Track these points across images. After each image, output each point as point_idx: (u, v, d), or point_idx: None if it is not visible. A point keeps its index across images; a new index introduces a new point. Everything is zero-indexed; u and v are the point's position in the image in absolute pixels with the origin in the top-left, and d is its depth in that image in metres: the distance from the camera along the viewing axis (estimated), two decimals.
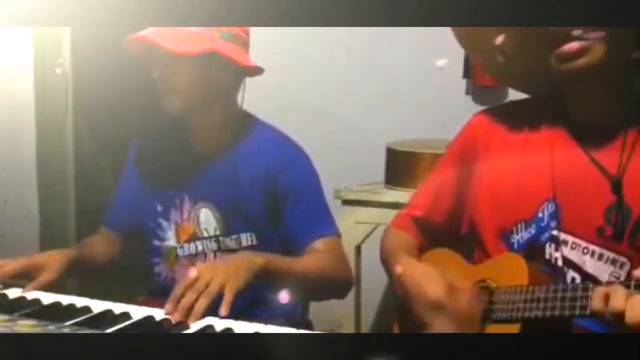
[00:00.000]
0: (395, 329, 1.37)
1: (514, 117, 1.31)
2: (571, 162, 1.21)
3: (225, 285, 1.25)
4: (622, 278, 1.14)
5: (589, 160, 1.19)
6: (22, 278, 1.42)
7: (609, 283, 1.07)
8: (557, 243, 1.19)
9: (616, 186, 1.16)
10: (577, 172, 1.20)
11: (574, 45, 1.11)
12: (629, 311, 0.98)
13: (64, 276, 1.48)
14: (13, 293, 1.37)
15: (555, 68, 1.15)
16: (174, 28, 1.48)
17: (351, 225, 2.30)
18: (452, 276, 1.19)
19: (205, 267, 1.32)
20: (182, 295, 1.23)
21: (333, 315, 2.37)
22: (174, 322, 1.20)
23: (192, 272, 1.27)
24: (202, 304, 1.22)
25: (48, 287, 1.41)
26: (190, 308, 1.22)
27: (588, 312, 1.04)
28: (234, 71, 1.57)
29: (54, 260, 1.48)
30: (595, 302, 1.03)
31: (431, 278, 1.19)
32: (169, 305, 1.23)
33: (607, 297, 1.02)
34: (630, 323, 0.98)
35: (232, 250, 1.59)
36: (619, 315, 0.99)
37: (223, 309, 1.22)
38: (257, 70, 1.59)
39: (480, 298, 1.17)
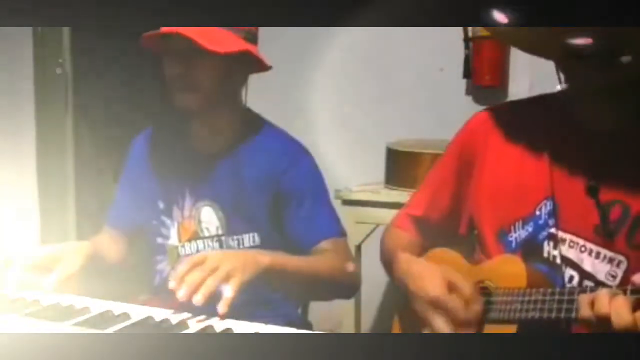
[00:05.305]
0: (396, 327, 1.37)
1: (515, 117, 1.31)
2: (570, 159, 1.20)
3: (232, 275, 1.24)
4: (619, 277, 1.14)
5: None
6: (42, 269, 1.38)
7: (605, 287, 1.05)
8: (556, 241, 1.19)
9: (592, 191, 1.15)
10: (575, 169, 1.19)
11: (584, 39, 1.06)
12: (614, 316, 0.97)
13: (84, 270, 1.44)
14: (13, 293, 1.37)
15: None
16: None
17: (351, 225, 2.30)
18: (453, 274, 1.19)
19: (214, 253, 1.33)
20: (188, 273, 1.22)
21: (333, 315, 2.37)
22: (180, 299, 1.19)
23: (201, 254, 1.28)
24: (211, 283, 1.20)
25: (69, 280, 1.38)
26: (197, 286, 1.20)
27: (573, 315, 1.03)
28: (250, 70, 1.58)
29: (74, 252, 1.45)
30: (583, 309, 1.02)
31: (432, 275, 1.19)
32: (174, 282, 1.22)
33: (593, 303, 1.01)
34: (617, 328, 0.96)
35: None
36: (605, 320, 0.98)
37: (223, 306, 1.20)
38: (265, 68, 1.59)
39: (480, 299, 1.16)
